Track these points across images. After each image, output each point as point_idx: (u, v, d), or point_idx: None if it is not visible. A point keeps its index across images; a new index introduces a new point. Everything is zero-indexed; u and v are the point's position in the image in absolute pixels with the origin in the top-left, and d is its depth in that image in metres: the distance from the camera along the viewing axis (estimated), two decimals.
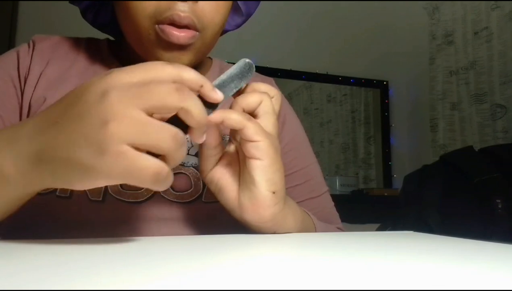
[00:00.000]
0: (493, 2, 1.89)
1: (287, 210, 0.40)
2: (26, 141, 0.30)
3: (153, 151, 0.27)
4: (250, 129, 0.34)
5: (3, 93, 0.48)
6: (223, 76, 0.35)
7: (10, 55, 0.51)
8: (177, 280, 0.18)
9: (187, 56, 0.46)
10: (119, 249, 0.28)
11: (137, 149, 0.27)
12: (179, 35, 0.43)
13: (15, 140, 0.31)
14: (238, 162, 0.38)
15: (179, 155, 0.28)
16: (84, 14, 0.56)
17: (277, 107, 0.39)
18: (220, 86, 0.35)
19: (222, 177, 0.38)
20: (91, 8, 0.55)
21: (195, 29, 0.44)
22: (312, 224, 0.48)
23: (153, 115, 0.28)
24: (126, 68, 0.29)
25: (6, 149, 0.31)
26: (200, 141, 0.31)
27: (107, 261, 0.23)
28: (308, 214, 0.49)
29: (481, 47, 1.95)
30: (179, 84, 0.28)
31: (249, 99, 0.36)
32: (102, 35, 0.60)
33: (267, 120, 0.37)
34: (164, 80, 0.28)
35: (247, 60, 0.37)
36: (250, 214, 0.37)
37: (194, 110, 0.28)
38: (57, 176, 0.29)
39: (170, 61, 0.45)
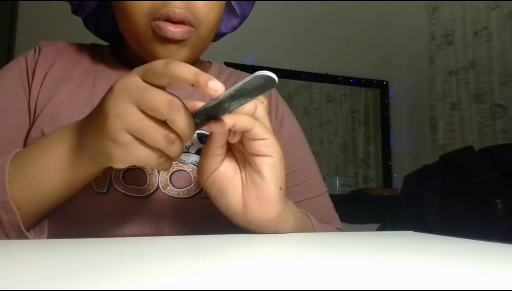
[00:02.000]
0: (492, 2, 1.90)
1: (288, 209, 0.40)
2: (71, 137, 0.38)
3: (150, 144, 0.32)
4: (260, 128, 0.36)
5: (16, 95, 0.50)
6: (232, 91, 0.31)
7: (20, 60, 0.53)
8: (177, 280, 0.18)
9: (184, 51, 0.48)
10: (119, 249, 0.28)
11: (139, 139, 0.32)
12: (174, 30, 0.45)
13: (64, 135, 0.39)
14: (237, 166, 0.39)
15: (173, 153, 0.33)
16: (86, 23, 0.58)
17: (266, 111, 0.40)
18: (229, 98, 0.31)
19: (224, 180, 0.38)
20: (92, 17, 0.57)
21: (190, 25, 0.46)
22: (311, 224, 0.48)
23: None
24: (140, 68, 0.33)
25: (59, 143, 0.39)
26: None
27: (107, 261, 0.23)
28: (307, 215, 0.49)
29: (481, 47, 1.95)
30: (173, 97, 0.31)
31: (246, 108, 0.37)
32: (103, 42, 0.61)
33: (265, 122, 0.38)
34: (161, 91, 0.32)
35: (267, 74, 0.30)
36: (257, 212, 0.37)
37: (179, 123, 0.32)
38: (96, 159, 0.36)
39: (167, 57, 0.47)
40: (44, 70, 0.52)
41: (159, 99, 0.31)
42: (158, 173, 0.47)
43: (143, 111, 0.31)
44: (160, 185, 0.47)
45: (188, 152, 0.49)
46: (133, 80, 0.32)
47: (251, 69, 2.12)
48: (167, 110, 0.31)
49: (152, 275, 0.19)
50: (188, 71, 0.31)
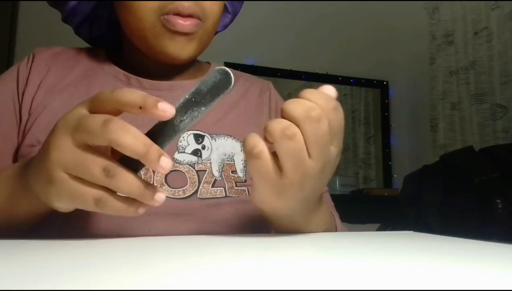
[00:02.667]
0: (493, 2, 1.89)
1: (320, 212, 0.39)
2: (22, 171, 0.36)
3: (88, 179, 0.29)
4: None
5: (4, 109, 0.50)
6: (187, 95, 0.30)
7: (12, 70, 0.53)
8: (176, 280, 0.18)
9: (192, 45, 0.49)
10: (119, 249, 0.28)
11: (78, 177, 0.30)
12: (184, 24, 0.46)
13: (17, 169, 0.38)
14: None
15: (115, 185, 0.29)
16: (77, 30, 0.57)
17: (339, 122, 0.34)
18: (182, 109, 0.30)
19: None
20: (86, 23, 0.56)
21: (198, 18, 0.47)
22: (334, 225, 0.48)
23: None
24: (87, 100, 0.32)
25: (10, 177, 0.38)
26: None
27: (107, 261, 0.23)
28: (333, 215, 0.49)
29: (481, 47, 1.95)
30: (109, 116, 0.29)
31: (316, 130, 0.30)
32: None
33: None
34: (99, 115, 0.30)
35: (222, 68, 0.31)
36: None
37: (122, 140, 0.28)
38: (39, 197, 0.33)
39: (176, 50, 0.48)
40: (39, 78, 0.51)
41: (94, 122, 0.29)
42: (154, 172, 0.47)
43: (81, 144, 0.30)
44: (155, 184, 0.47)
45: (184, 152, 0.49)
46: (74, 112, 0.31)
47: (251, 69, 2.12)
48: (102, 130, 0.28)
49: (151, 275, 0.19)
50: (135, 94, 0.29)
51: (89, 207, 0.30)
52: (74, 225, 0.44)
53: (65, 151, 0.30)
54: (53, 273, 0.19)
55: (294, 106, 0.30)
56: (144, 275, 0.19)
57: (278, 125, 0.29)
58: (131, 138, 0.28)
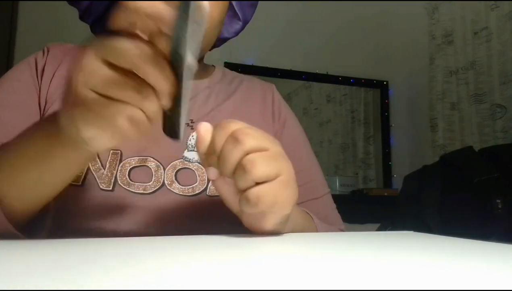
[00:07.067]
0: (492, 2, 1.89)
1: (291, 214, 0.40)
2: (50, 121, 0.34)
3: (119, 97, 0.28)
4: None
5: (28, 93, 0.52)
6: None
7: (30, 60, 0.55)
8: (178, 280, 0.18)
9: None
10: (119, 249, 0.28)
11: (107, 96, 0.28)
12: None
13: (44, 120, 0.39)
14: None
15: (146, 105, 0.28)
16: (92, 28, 0.59)
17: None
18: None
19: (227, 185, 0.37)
20: (99, 22, 0.58)
21: None
22: (313, 224, 0.49)
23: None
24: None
25: (38, 128, 0.37)
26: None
27: (107, 261, 0.23)
28: (309, 214, 0.49)
29: (481, 47, 1.95)
30: (137, 43, 0.27)
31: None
32: None
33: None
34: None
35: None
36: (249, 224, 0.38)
37: (147, 70, 0.27)
38: (69, 135, 0.31)
39: None
40: (52, 70, 0.53)
41: (123, 44, 0.27)
42: (164, 169, 0.47)
43: (109, 63, 0.28)
44: (165, 181, 0.47)
45: (193, 151, 0.50)
46: (100, 39, 0.29)
47: (251, 69, 2.11)
48: (131, 54, 0.27)
49: (152, 275, 0.19)
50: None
51: (120, 126, 0.28)
52: (82, 222, 0.45)
53: (93, 69, 0.28)
54: (53, 273, 0.19)
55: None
56: (143, 275, 0.19)
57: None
58: (157, 72, 0.27)
